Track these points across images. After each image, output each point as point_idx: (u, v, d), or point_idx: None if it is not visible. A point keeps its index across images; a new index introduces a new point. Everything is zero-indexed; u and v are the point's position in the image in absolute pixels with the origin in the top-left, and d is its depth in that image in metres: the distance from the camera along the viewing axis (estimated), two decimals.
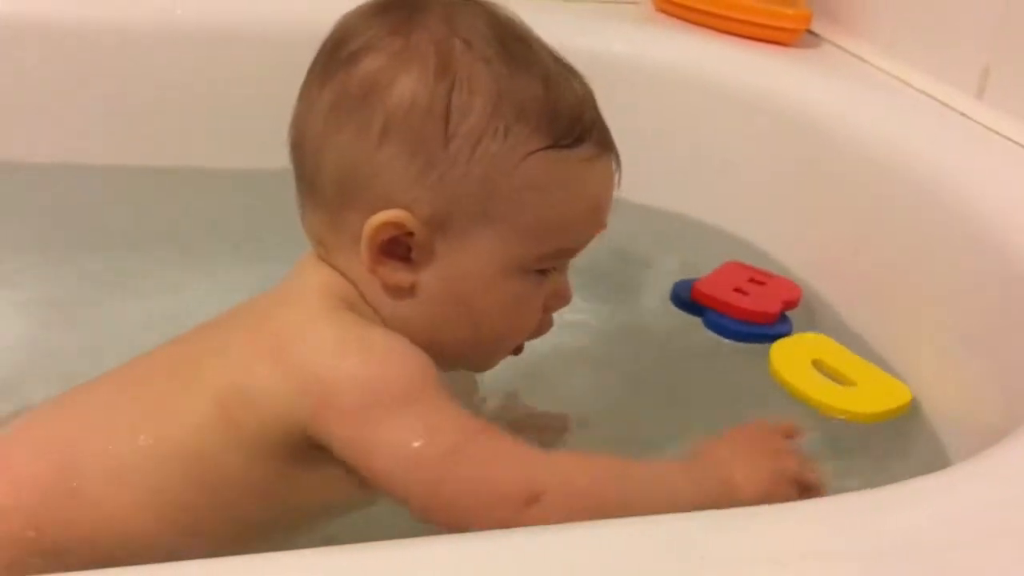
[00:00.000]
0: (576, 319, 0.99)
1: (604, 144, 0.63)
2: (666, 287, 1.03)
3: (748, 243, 1.13)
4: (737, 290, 0.99)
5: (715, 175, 1.18)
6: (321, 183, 0.61)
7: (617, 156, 0.64)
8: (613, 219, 1.01)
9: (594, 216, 0.63)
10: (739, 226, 1.15)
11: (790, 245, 1.09)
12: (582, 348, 0.95)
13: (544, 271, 0.63)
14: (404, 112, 0.58)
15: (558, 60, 0.63)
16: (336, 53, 0.60)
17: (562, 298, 0.66)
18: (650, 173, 1.22)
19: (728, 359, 0.95)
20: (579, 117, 0.60)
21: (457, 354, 0.63)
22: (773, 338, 0.93)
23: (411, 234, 0.59)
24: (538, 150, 0.59)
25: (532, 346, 0.90)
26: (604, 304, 1.02)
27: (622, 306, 1.05)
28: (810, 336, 0.93)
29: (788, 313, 0.99)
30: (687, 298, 1.00)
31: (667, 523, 0.49)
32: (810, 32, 1.24)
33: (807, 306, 1.01)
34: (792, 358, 0.89)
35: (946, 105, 1.05)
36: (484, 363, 0.68)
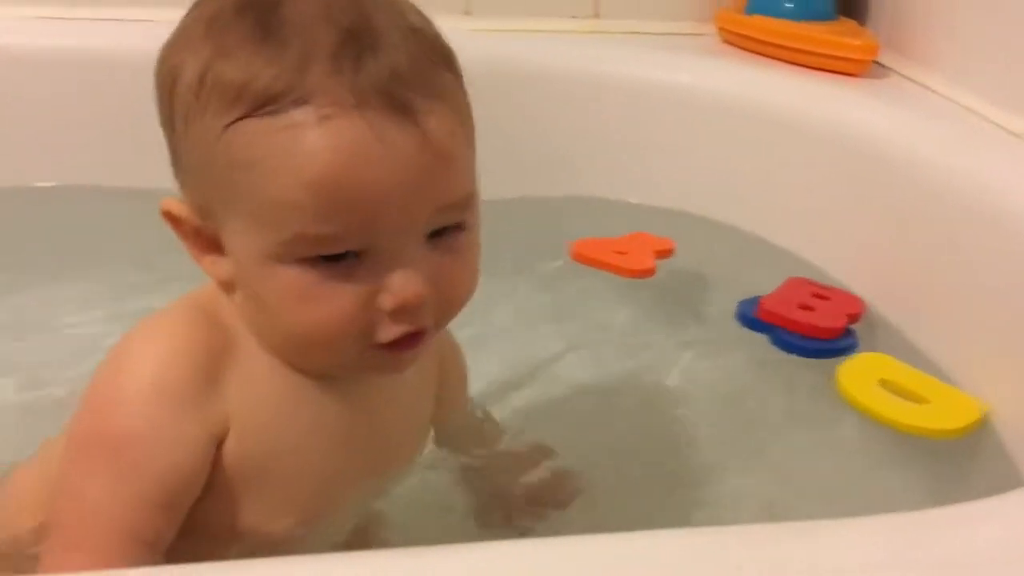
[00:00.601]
0: (642, 341, 1.02)
1: (348, 101, 0.49)
2: (730, 305, 1.05)
3: (809, 263, 1.15)
4: (802, 306, 1.01)
5: (780, 199, 1.21)
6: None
7: (390, 108, 0.50)
8: (680, 237, 1.02)
9: (334, 194, 0.50)
10: (802, 247, 1.17)
11: (851, 264, 1.11)
12: (650, 367, 0.98)
13: (332, 260, 0.52)
14: (159, 96, 0.55)
15: (363, 13, 0.52)
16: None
17: (389, 294, 0.52)
18: (716, 195, 1.25)
19: (796, 378, 0.96)
20: (303, 83, 0.49)
21: (285, 352, 0.57)
22: (840, 352, 0.95)
23: (196, 224, 0.55)
24: (232, 122, 0.50)
25: (602, 366, 0.94)
26: (670, 324, 1.05)
27: (688, 325, 1.06)
28: (873, 356, 0.94)
29: (852, 328, 1.01)
30: (753, 316, 1.02)
31: (706, 535, 0.51)
32: (877, 63, 1.25)
33: (868, 321, 1.03)
34: (860, 378, 0.90)
35: (1013, 134, 1.05)
36: (313, 363, 0.57)
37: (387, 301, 0.52)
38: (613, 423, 0.90)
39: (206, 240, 0.55)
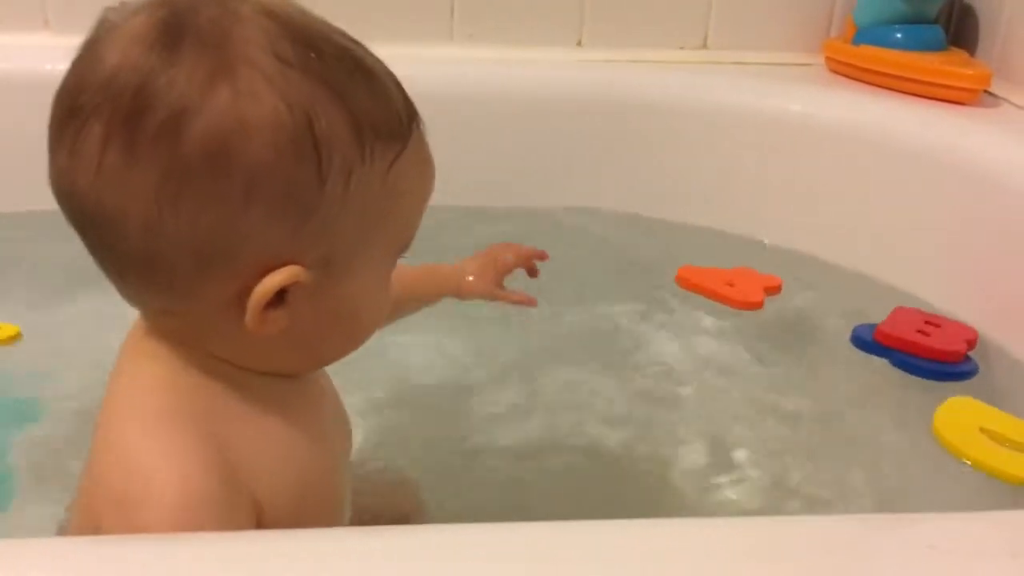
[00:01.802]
0: (755, 364, 1.04)
1: (416, 119, 0.56)
2: (844, 333, 1.06)
3: (914, 295, 1.15)
4: (919, 331, 1.02)
5: (888, 231, 1.21)
6: (163, 260, 0.51)
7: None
8: (790, 273, 1.05)
9: (432, 186, 0.59)
10: (908, 280, 1.18)
11: (962, 294, 1.11)
12: (766, 386, 1.01)
13: None
14: (269, 167, 0.49)
15: (343, 36, 0.54)
16: (142, 123, 0.48)
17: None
18: (824, 227, 1.26)
19: (921, 404, 0.95)
20: (405, 103, 0.55)
21: (335, 357, 0.60)
22: (962, 376, 0.97)
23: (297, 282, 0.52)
24: (396, 158, 0.54)
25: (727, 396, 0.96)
26: (785, 350, 1.07)
27: (804, 349, 1.08)
28: (967, 401, 0.93)
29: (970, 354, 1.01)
30: (870, 339, 1.03)
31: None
32: (987, 92, 1.26)
33: (982, 349, 1.03)
34: (958, 426, 0.89)
35: None
36: (339, 358, 0.61)
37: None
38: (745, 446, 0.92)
39: (281, 294, 0.52)
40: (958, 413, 0.91)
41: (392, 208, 0.55)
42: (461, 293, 0.85)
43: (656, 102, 1.34)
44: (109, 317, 0.62)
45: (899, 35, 1.32)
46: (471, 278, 0.85)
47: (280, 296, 0.52)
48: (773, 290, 1.15)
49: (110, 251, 0.52)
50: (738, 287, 1.15)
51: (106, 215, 0.50)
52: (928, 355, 0.99)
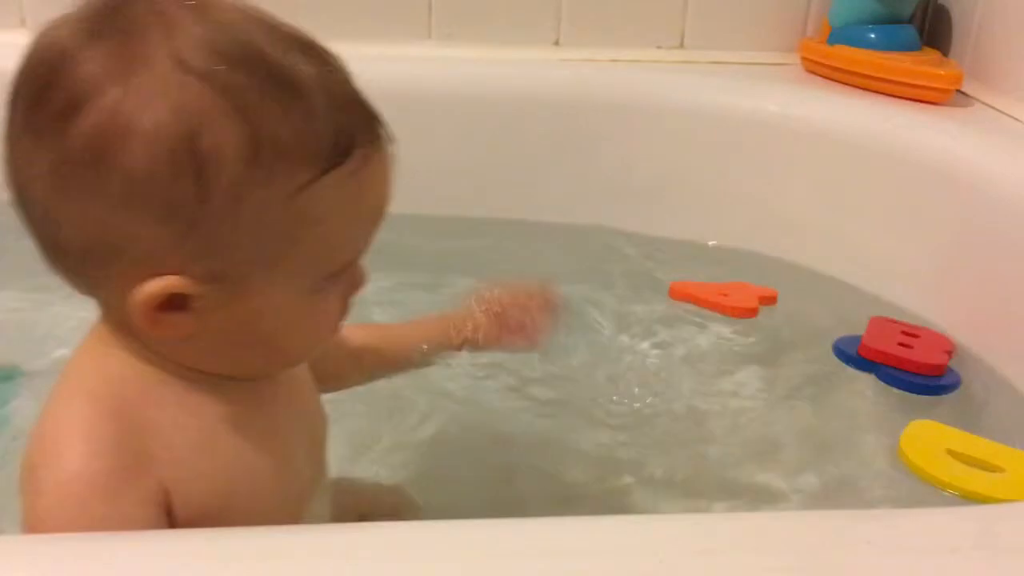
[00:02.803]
0: (742, 370, 1.04)
1: (372, 136, 0.54)
2: (816, 342, 1.06)
3: (888, 301, 1.16)
4: (900, 344, 1.02)
5: (861, 233, 1.22)
6: (65, 250, 0.52)
7: (387, 133, 0.56)
8: (772, 281, 1.06)
9: (376, 217, 0.57)
10: (880, 284, 1.18)
11: (935, 300, 1.11)
12: (747, 397, 1.01)
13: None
14: (146, 176, 0.48)
15: (305, 51, 0.53)
16: (44, 101, 0.49)
17: (358, 286, 0.60)
18: (797, 229, 1.27)
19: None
20: (343, 127, 0.52)
21: (256, 371, 0.59)
22: (948, 390, 0.98)
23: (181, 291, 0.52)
24: (306, 184, 0.51)
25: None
26: (772, 361, 1.06)
27: (783, 366, 1.06)
28: (931, 424, 0.91)
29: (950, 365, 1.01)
30: (854, 354, 1.02)
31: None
32: (960, 92, 1.27)
33: (960, 359, 1.03)
34: (925, 449, 0.87)
35: None
36: (289, 367, 0.62)
37: (355, 292, 0.60)
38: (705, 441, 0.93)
39: (182, 299, 0.52)
40: (923, 436, 0.89)
41: (302, 233, 0.53)
42: (469, 347, 0.79)
43: (633, 102, 1.34)
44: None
45: (873, 35, 1.33)
46: (479, 334, 0.78)
47: (180, 302, 0.52)
48: (768, 300, 1.15)
49: (33, 235, 0.53)
50: (732, 296, 1.15)
51: (24, 200, 0.52)
52: (913, 369, 0.99)
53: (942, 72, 1.26)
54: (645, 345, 1.09)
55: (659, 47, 1.45)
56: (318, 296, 0.56)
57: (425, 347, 0.78)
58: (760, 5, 1.45)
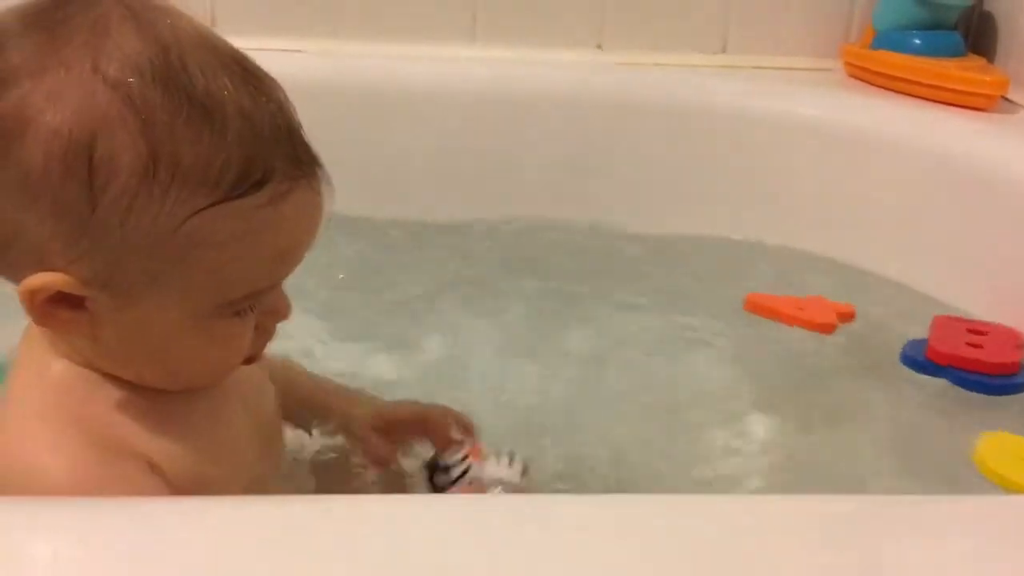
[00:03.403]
0: (820, 393, 1.01)
1: (296, 174, 0.53)
2: (886, 352, 1.04)
3: (935, 299, 1.15)
4: (969, 344, 1.00)
5: (905, 235, 1.22)
6: None
7: (319, 172, 0.55)
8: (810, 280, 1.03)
9: (287, 255, 0.56)
10: (928, 284, 1.18)
11: (994, 298, 1.10)
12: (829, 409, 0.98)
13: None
14: (40, 173, 0.49)
15: (240, 78, 0.52)
16: None
17: (278, 315, 0.59)
18: (836, 231, 1.27)
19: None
20: (257, 159, 0.51)
21: (155, 384, 0.58)
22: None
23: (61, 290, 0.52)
24: (203, 209, 0.51)
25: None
26: (851, 375, 1.04)
27: (857, 379, 1.03)
28: (1005, 435, 0.89)
29: None
30: (923, 359, 1.00)
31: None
32: (1005, 99, 1.26)
33: None
34: (1004, 458, 0.86)
35: None
36: (195, 386, 0.60)
37: (274, 320, 0.59)
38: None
39: (75, 297, 0.52)
40: (1000, 445, 0.88)
41: (193, 257, 0.52)
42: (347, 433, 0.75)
43: (674, 106, 1.34)
44: None
45: (917, 41, 1.32)
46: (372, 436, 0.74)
47: (75, 301, 0.52)
48: (846, 316, 1.12)
49: None
50: (809, 311, 1.12)
51: None
52: (986, 370, 0.97)
53: (988, 78, 1.25)
54: (717, 358, 1.06)
55: (701, 52, 1.46)
56: (214, 322, 0.55)
57: (315, 430, 0.76)
58: (803, 10, 1.45)
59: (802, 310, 1.12)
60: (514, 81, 1.36)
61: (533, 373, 1.01)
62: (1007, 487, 0.84)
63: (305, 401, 0.75)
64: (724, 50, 1.46)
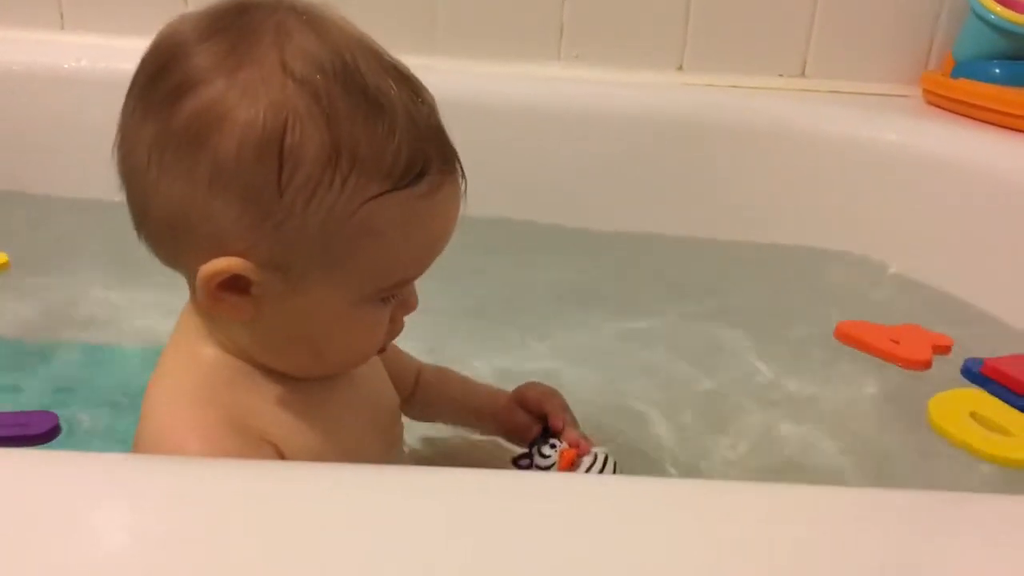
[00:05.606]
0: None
1: (446, 168, 0.58)
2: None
3: (1009, 326, 1.16)
4: None
5: (983, 260, 1.23)
6: (152, 220, 0.57)
7: (460, 169, 0.60)
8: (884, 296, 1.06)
9: (435, 245, 0.60)
10: (1004, 311, 1.18)
11: None
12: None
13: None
14: (233, 161, 0.53)
15: (400, 80, 0.57)
16: (159, 80, 0.55)
17: (408, 308, 0.64)
18: (915, 254, 1.28)
19: None
20: (419, 153, 0.56)
21: (300, 371, 0.62)
22: None
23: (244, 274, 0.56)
24: (375, 196, 0.55)
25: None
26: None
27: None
28: (968, 392, 0.98)
29: None
30: (977, 372, 1.02)
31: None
32: None
33: None
34: (951, 410, 0.95)
35: None
36: (332, 374, 0.65)
37: (405, 313, 0.64)
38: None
39: (245, 282, 0.57)
40: (953, 400, 0.97)
41: (362, 243, 0.56)
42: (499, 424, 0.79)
43: (754, 128, 1.37)
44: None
45: (998, 70, 1.34)
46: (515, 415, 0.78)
47: (243, 286, 0.56)
48: (942, 349, 1.08)
49: (128, 199, 0.58)
50: (904, 345, 1.08)
51: (125, 165, 0.57)
52: (1019, 389, 0.98)
53: None
54: (801, 391, 1.03)
55: (781, 75, 1.49)
56: (365, 308, 0.59)
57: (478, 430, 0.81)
58: (883, 37, 1.47)
59: (897, 343, 1.09)
60: (596, 100, 1.40)
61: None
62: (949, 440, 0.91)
63: (456, 399, 0.81)
64: (803, 74, 1.49)
